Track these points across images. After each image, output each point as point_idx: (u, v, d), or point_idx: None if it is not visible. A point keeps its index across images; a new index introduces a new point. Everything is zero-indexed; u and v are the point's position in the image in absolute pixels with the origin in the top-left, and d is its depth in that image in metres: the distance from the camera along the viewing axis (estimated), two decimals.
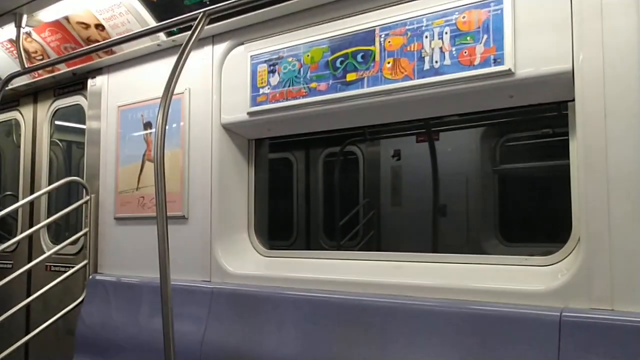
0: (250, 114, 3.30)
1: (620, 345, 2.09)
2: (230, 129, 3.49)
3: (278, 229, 6.26)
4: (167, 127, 3.04)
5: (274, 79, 3.20)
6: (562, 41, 2.35)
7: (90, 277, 4.03)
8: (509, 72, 2.45)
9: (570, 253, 2.44)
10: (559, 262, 2.48)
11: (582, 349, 2.16)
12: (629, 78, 2.18)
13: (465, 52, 2.56)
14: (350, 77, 2.91)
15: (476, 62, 2.53)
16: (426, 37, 2.69)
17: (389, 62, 2.80)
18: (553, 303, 2.30)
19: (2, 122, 5.30)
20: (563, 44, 2.34)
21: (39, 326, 3.89)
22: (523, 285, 2.44)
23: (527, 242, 4.79)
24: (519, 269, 2.59)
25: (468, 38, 2.56)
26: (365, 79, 2.86)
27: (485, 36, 2.51)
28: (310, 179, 6.63)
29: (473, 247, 5.02)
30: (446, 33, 2.62)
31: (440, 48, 2.64)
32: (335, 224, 6.06)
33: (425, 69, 2.68)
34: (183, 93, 3.59)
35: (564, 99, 2.50)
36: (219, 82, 3.48)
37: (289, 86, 3.14)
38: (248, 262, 3.44)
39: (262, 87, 3.25)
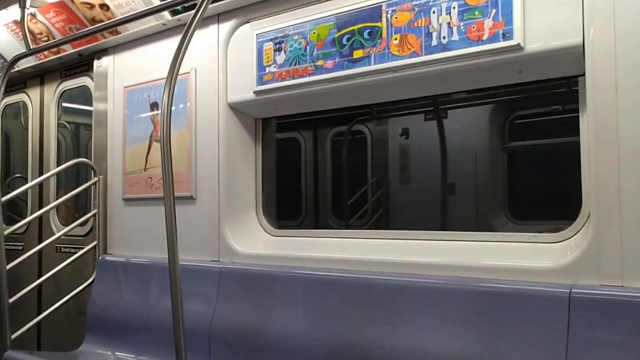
0: (256, 93, 3.28)
1: (631, 321, 2.08)
2: (237, 109, 3.47)
3: (286, 208, 6.26)
4: (173, 108, 3.03)
5: (280, 57, 3.17)
6: (573, 15, 2.30)
7: (100, 257, 4.06)
8: (518, 47, 2.41)
9: (580, 229, 2.42)
10: (568, 238, 2.46)
11: (592, 325, 2.15)
12: None
13: (474, 27, 2.52)
14: (357, 54, 2.88)
15: (485, 38, 2.49)
16: (433, 12, 2.64)
17: (396, 39, 2.76)
18: (563, 280, 2.29)
19: (9, 104, 5.30)
20: (573, 18, 2.30)
21: (50, 307, 3.94)
22: (532, 262, 2.43)
23: (537, 219, 4.77)
24: (528, 246, 2.58)
25: (476, 13, 2.52)
26: (372, 56, 2.83)
27: (494, 10, 2.47)
28: (318, 158, 6.61)
29: (482, 226, 5.00)
30: (454, 8, 2.58)
31: (448, 23, 2.60)
32: (343, 203, 6.05)
33: (432, 45, 2.64)
34: (189, 73, 3.57)
35: (574, 74, 2.47)
36: (225, 61, 3.45)
37: (295, 64, 3.12)
38: (256, 242, 3.45)
39: (268, 66, 3.22)
